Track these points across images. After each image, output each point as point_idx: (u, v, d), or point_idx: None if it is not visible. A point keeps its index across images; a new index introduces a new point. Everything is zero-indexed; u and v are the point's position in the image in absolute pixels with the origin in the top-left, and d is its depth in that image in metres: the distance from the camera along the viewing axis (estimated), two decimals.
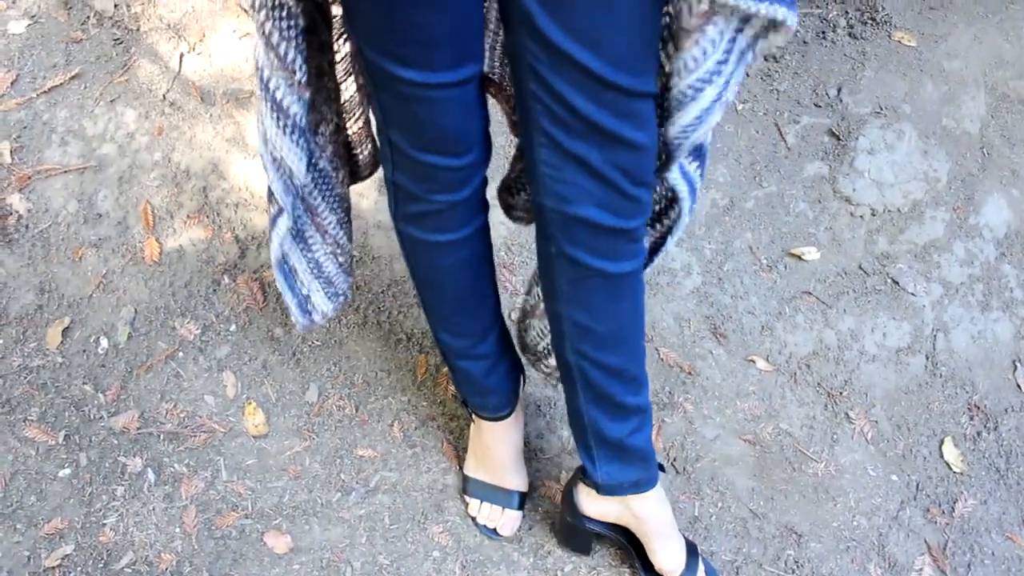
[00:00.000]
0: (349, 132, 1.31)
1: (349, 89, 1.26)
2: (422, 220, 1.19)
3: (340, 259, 1.35)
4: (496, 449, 1.50)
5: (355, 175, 1.37)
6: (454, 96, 1.03)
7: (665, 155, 1.09)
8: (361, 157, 1.34)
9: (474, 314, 1.34)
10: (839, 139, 1.88)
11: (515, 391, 1.46)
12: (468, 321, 1.34)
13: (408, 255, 1.28)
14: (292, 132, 1.12)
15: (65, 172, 1.80)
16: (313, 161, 1.23)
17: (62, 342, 1.68)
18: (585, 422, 1.29)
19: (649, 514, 1.38)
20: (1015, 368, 1.77)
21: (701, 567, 1.44)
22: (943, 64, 1.97)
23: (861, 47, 1.98)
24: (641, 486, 1.35)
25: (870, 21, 2.01)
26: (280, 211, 1.23)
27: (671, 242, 1.22)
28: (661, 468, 1.38)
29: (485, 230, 1.26)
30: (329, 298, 1.37)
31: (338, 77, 1.24)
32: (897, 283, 1.80)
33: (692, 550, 1.44)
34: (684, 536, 1.44)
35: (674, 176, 1.11)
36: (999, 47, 2.01)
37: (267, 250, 1.75)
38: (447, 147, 1.09)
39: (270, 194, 1.23)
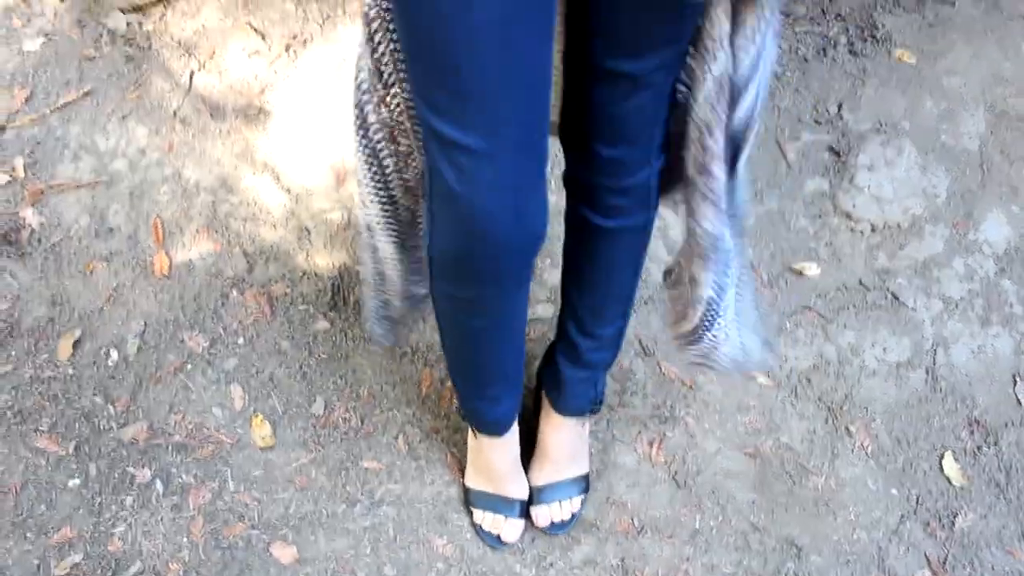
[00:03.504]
0: None
1: None
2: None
3: None
4: (495, 461, 1.53)
5: None
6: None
7: (732, 151, 1.08)
8: None
9: (484, 369, 1.33)
10: (839, 155, 1.90)
11: (514, 415, 1.48)
12: (477, 374, 1.34)
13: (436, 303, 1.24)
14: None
15: (77, 187, 1.83)
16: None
17: (73, 354, 1.71)
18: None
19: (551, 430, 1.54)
20: (1015, 383, 1.79)
21: (564, 505, 1.57)
22: (942, 81, 1.99)
23: (861, 64, 2.00)
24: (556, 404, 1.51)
25: (870, 39, 2.03)
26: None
27: None
28: (594, 410, 1.53)
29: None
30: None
31: None
32: (897, 298, 1.81)
33: (579, 485, 1.58)
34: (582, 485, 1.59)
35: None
36: (998, 65, 2.03)
37: (275, 263, 1.78)
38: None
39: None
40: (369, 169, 1.10)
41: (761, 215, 1.86)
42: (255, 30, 1.97)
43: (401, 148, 1.07)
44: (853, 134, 1.92)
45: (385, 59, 0.99)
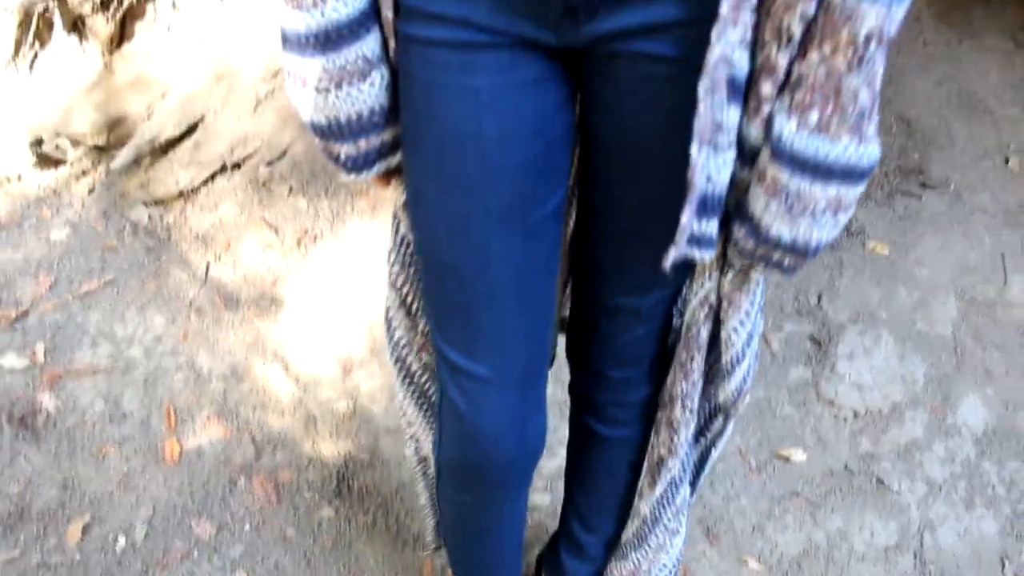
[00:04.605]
0: None
1: None
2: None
3: None
4: None
5: None
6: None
7: (723, 417, 1.16)
8: None
9: (484, 564, 1.38)
10: (820, 345, 2.01)
11: None
12: (477, 567, 1.39)
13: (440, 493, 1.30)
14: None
15: (94, 373, 1.92)
16: None
17: (81, 539, 1.74)
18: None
19: None
20: (1003, 565, 1.83)
21: None
22: (914, 271, 2.12)
23: (838, 256, 2.14)
24: None
25: (845, 231, 2.18)
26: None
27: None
28: None
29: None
30: None
31: None
32: (882, 482, 1.88)
33: None
34: None
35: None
36: (964, 254, 2.17)
37: (282, 450, 1.85)
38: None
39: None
40: (420, 408, 1.19)
41: (748, 404, 1.94)
42: (269, 225, 2.10)
43: None
44: (833, 324, 2.03)
45: (410, 298, 1.10)
